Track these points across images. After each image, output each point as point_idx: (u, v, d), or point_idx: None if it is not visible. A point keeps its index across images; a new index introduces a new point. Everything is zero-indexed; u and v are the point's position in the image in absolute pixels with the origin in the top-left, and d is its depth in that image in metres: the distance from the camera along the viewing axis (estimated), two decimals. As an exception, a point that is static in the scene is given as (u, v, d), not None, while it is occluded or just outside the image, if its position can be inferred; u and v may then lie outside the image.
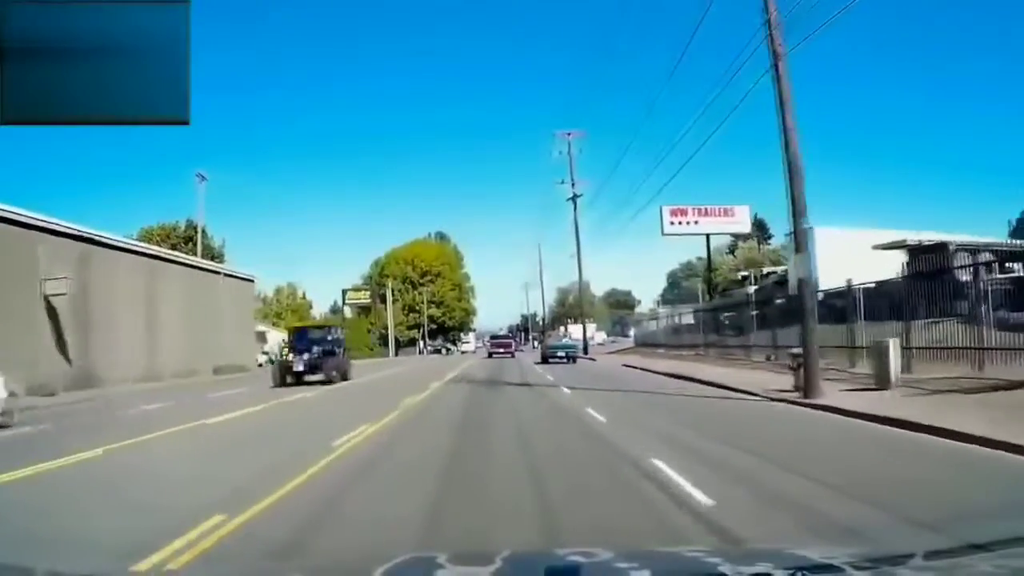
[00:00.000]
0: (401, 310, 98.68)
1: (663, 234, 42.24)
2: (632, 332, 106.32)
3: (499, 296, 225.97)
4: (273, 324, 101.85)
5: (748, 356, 24.62)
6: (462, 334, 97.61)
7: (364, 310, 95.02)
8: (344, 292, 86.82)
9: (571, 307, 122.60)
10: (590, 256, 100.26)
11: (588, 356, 41.80)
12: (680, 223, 42.56)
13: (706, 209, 43.31)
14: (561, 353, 35.36)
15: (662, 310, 40.39)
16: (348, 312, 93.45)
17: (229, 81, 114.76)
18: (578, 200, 45.47)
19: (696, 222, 42.84)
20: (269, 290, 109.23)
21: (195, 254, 41.99)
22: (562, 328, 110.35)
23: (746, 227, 44.06)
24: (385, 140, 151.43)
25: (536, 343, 65.65)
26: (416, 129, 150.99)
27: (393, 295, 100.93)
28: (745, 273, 43.42)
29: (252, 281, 41.17)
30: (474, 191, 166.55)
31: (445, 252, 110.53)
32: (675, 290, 79.24)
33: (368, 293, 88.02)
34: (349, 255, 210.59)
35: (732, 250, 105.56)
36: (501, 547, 4.31)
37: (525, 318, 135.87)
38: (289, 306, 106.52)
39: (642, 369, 25.64)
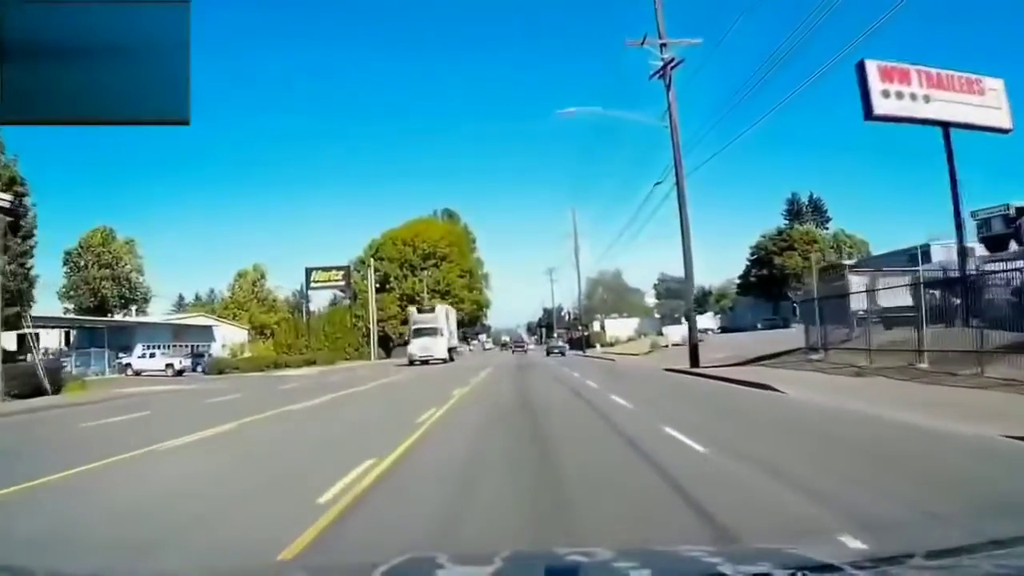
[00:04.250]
0: (398, 301, 76.85)
1: (869, 117, 20.76)
2: (686, 327, 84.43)
3: (516, 291, 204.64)
4: (234, 317, 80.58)
5: None
6: (414, 308, 52.40)
7: (354, 300, 73.59)
8: (308, 272, 64.21)
9: (601, 302, 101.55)
10: (624, 240, 78.16)
11: (749, 381, 16.43)
12: (899, 96, 20.91)
13: (939, 76, 21.80)
14: (556, 351, 59.18)
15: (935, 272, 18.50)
16: (313, 298, 70.26)
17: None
18: (674, 72, 23.63)
19: (926, 97, 21.22)
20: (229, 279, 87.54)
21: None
22: (596, 325, 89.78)
23: (1004, 118, 22.26)
24: (383, 101, 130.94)
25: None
26: (417, 75, 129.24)
27: (389, 282, 79.29)
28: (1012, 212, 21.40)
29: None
30: (487, 159, 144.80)
31: (454, 232, 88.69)
32: (764, 269, 57.20)
33: (341, 274, 65.39)
34: (346, 242, 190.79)
35: (782, 232, 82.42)
36: (501, 548, 4.19)
37: (548, 312, 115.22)
38: (256, 294, 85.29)
39: None
